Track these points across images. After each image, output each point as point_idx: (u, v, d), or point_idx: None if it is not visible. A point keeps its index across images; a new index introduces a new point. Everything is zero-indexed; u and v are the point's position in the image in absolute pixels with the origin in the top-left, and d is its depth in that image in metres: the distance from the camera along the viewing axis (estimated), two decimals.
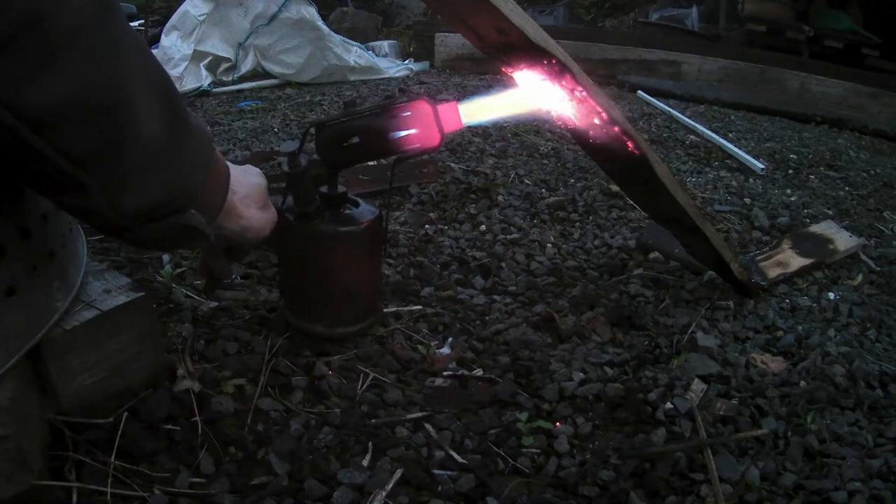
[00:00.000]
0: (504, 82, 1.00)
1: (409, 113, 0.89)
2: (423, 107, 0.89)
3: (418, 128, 0.89)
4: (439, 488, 0.79)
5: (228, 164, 0.78)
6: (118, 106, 0.53)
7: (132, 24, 5.46)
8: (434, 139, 0.90)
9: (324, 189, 0.96)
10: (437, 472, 0.81)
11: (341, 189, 0.98)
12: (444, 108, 0.90)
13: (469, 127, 2.48)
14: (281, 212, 0.95)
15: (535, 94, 1.00)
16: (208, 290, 1.00)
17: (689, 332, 1.14)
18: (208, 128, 0.71)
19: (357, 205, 1.01)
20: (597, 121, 1.00)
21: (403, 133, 0.89)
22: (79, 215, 0.68)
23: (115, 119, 0.54)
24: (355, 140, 0.90)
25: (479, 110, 0.94)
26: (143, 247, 0.81)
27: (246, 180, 0.84)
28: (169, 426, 0.82)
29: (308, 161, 0.91)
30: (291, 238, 0.98)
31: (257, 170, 0.88)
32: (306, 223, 0.94)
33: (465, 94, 1.07)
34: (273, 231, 0.90)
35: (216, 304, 1.10)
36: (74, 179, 0.54)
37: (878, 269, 1.50)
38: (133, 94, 0.54)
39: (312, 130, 0.92)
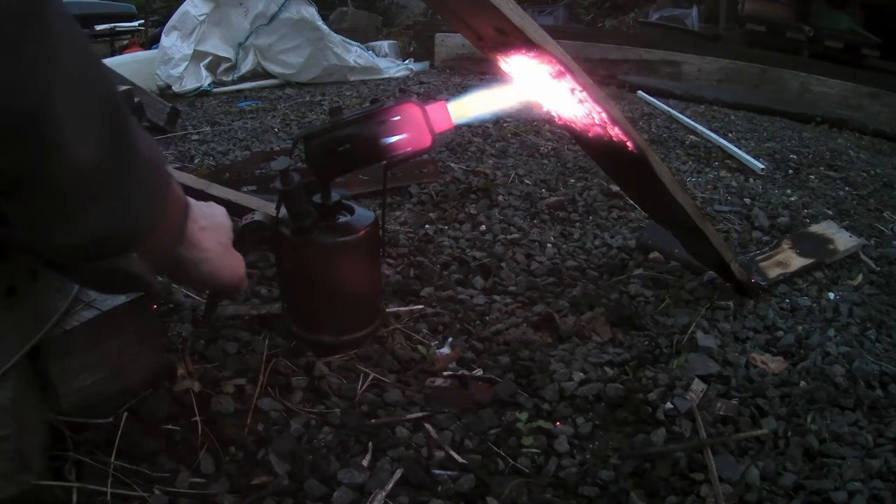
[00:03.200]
0: (503, 82, 1.00)
1: (398, 116, 0.88)
2: (412, 109, 0.88)
3: (408, 130, 0.88)
4: (439, 488, 0.79)
5: (190, 200, 0.70)
6: (37, 128, 0.45)
7: (132, 23, 5.47)
8: (425, 140, 0.89)
9: (317, 198, 0.96)
10: (437, 472, 0.81)
11: (335, 198, 0.97)
12: (433, 109, 0.89)
13: (469, 127, 2.48)
14: (277, 226, 0.95)
15: (524, 87, 0.99)
16: (207, 315, 1.00)
17: (689, 332, 1.14)
18: (165, 160, 0.60)
19: (352, 211, 1.00)
20: (597, 120, 1.00)
21: (394, 137, 0.88)
22: (10, 246, 0.61)
23: (35, 144, 0.46)
24: (346, 149, 0.89)
25: (470, 107, 0.94)
26: (84, 286, 0.74)
27: (210, 214, 0.77)
28: (169, 426, 0.82)
29: (300, 175, 0.90)
30: (290, 252, 0.98)
31: (223, 210, 0.81)
32: (304, 237, 0.94)
33: (464, 93, 1.08)
34: (272, 246, 0.88)
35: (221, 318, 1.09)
36: None
37: (878, 269, 1.50)
38: (58, 114, 0.46)
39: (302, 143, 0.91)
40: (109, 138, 0.51)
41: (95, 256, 0.57)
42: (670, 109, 3.19)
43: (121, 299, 0.81)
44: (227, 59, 3.73)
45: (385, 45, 4.81)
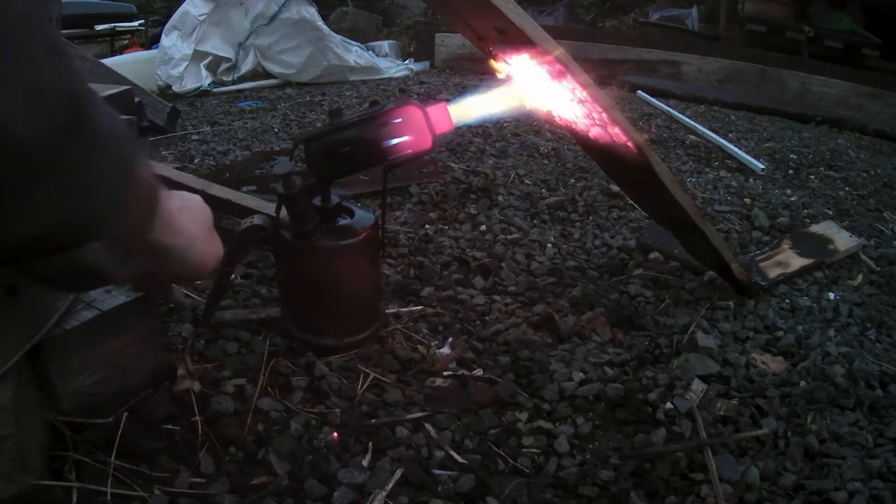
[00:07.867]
0: (504, 82, 1.00)
1: (399, 118, 0.88)
2: (413, 111, 0.88)
3: (409, 132, 0.88)
4: (439, 488, 0.79)
5: (162, 186, 0.61)
6: None
7: (132, 23, 5.48)
8: (426, 142, 0.89)
9: (317, 201, 0.96)
10: (437, 472, 0.81)
11: (334, 200, 0.97)
12: (433, 111, 0.89)
13: (469, 127, 2.48)
14: (277, 230, 0.94)
15: (524, 88, 0.99)
16: (206, 318, 0.99)
17: (689, 332, 1.14)
18: (131, 138, 0.53)
19: (352, 213, 1.00)
20: (597, 120, 1.00)
21: (395, 140, 0.88)
22: None
23: None
24: (347, 151, 0.88)
25: (470, 109, 0.94)
26: (41, 284, 0.65)
27: (187, 197, 0.69)
28: (169, 426, 0.83)
29: (302, 179, 0.90)
30: (291, 256, 0.97)
31: (199, 196, 0.73)
32: (305, 240, 0.94)
33: (464, 94, 1.08)
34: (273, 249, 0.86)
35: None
36: None
37: (878, 269, 1.50)
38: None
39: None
40: (59, 118, 0.44)
41: (49, 249, 0.48)
42: (670, 109, 3.19)
43: (121, 299, 0.81)
44: (228, 59, 3.73)
45: (385, 45, 4.81)
